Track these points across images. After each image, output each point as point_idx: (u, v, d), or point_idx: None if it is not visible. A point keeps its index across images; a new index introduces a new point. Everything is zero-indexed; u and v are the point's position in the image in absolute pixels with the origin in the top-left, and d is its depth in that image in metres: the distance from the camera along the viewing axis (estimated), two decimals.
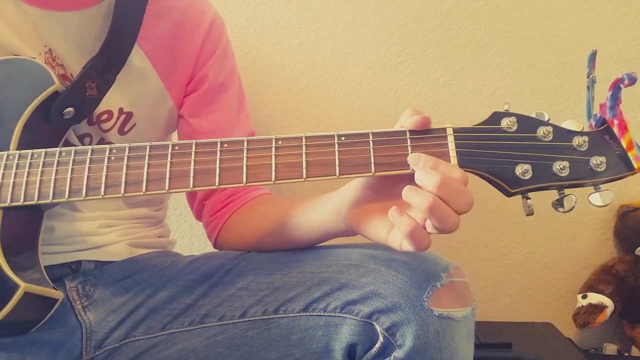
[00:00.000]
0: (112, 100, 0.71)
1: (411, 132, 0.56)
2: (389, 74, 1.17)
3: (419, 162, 0.53)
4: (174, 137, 0.91)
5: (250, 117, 0.87)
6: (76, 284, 0.72)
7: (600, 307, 1.13)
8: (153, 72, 0.75)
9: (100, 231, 0.75)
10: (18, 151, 0.61)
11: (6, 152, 0.61)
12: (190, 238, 1.23)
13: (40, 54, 0.69)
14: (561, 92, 1.18)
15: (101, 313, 0.70)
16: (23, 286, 0.58)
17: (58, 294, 0.63)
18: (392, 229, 0.57)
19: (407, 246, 0.54)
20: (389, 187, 0.58)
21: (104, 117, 0.72)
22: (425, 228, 0.52)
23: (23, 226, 0.63)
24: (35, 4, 0.69)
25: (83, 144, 0.72)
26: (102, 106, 0.71)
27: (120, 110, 0.73)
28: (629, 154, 0.51)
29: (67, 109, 0.66)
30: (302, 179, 0.55)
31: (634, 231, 1.16)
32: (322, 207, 0.65)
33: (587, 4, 1.16)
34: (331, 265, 0.63)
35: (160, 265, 0.74)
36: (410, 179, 0.54)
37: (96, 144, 0.73)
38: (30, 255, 0.63)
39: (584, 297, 1.15)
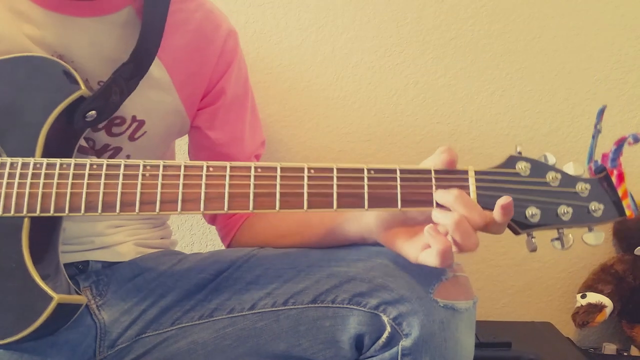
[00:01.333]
0: (126, 107, 0.71)
1: (436, 171, 0.58)
2: (389, 75, 1.17)
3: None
4: (178, 142, 0.92)
5: (261, 123, 0.88)
6: (89, 283, 0.73)
7: (600, 307, 1.14)
8: (170, 84, 0.75)
9: (108, 231, 0.76)
10: (45, 159, 0.60)
11: (33, 160, 0.60)
12: (190, 238, 1.24)
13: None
14: (560, 93, 1.19)
15: (115, 313, 0.71)
16: (57, 298, 0.58)
17: (83, 300, 0.64)
18: (407, 242, 0.59)
19: (432, 261, 0.56)
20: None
21: (117, 121, 0.72)
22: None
23: (47, 232, 0.63)
24: (51, 8, 0.68)
25: (87, 146, 0.73)
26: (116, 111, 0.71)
27: (133, 118, 0.73)
28: (623, 203, 0.58)
29: (90, 112, 0.66)
30: (333, 209, 0.57)
31: (633, 231, 1.17)
32: (346, 222, 0.67)
33: (586, 4, 1.16)
34: (340, 260, 0.65)
35: (168, 264, 0.75)
36: None
37: (99, 149, 0.73)
38: (53, 259, 0.63)
39: (583, 296, 1.16)
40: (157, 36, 0.71)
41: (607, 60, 1.18)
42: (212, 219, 0.85)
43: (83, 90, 0.64)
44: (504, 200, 0.55)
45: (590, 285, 1.18)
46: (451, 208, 0.55)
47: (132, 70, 0.69)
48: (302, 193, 0.57)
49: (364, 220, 0.64)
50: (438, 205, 0.57)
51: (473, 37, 1.17)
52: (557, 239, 0.59)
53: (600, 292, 1.15)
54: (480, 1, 1.16)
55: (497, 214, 0.55)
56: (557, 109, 1.19)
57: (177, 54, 0.75)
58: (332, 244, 0.70)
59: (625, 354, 1.19)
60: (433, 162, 0.59)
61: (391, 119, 1.18)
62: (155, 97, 0.75)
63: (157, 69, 0.73)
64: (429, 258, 0.56)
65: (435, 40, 1.17)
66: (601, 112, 0.59)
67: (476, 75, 1.18)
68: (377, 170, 0.58)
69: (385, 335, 0.61)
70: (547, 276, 1.25)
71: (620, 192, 0.58)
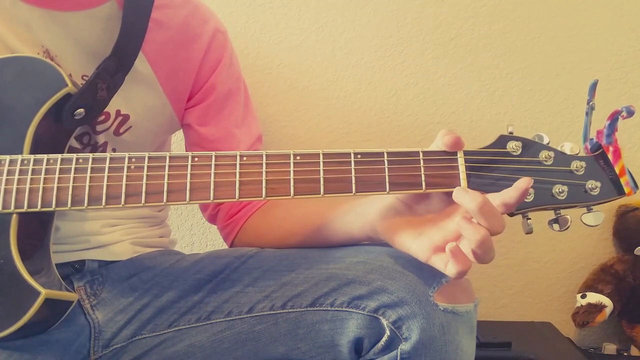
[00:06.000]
0: (111, 103, 0.71)
1: (424, 152, 0.58)
2: (389, 75, 1.18)
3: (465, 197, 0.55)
4: (174, 140, 0.92)
5: (257, 119, 0.88)
6: (84, 283, 0.72)
7: (600, 307, 1.14)
8: (153, 78, 0.75)
9: (104, 230, 0.76)
10: (32, 155, 0.60)
11: (20, 156, 0.61)
12: (190, 238, 1.24)
13: (38, 53, 0.69)
14: (560, 93, 1.19)
15: (109, 312, 0.70)
16: (44, 293, 0.58)
17: (73, 296, 0.63)
18: (416, 240, 0.58)
19: (449, 273, 0.55)
20: (416, 201, 0.61)
21: (101, 118, 0.72)
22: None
23: (36, 228, 0.63)
24: (34, 3, 0.68)
25: (82, 143, 0.73)
26: None
27: (118, 113, 0.73)
28: (621, 180, 0.56)
29: (78, 110, 0.65)
30: (320, 195, 0.56)
31: (633, 231, 1.17)
32: (349, 216, 0.66)
33: (586, 4, 1.16)
34: (339, 262, 0.64)
35: (165, 264, 0.74)
36: (433, 196, 0.59)
37: (93, 144, 0.73)
38: (43, 256, 0.63)
39: (583, 296, 1.16)
40: (141, 30, 0.71)
41: (607, 60, 1.18)
42: (212, 218, 0.85)
43: (69, 87, 0.64)
44: (524, 182, 0.53)
45: (590, 285, 1.18)
46: (472, 215, 0.54)
47: (116, 65, 0.69)
48: (289, 179, 0.57)
49: (368, 217, 0.63)
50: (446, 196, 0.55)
51: (473, 37, 1.17)
52: (554, 220, 0.57)
53: (600, 292, 1.15)
54: (480, 1, 1.16)
55: (515, 195, 0.53)
56: (557, 109, 1.19)
57: (161, 49, 0.75)
58: (338, 243, 0.68)
59: (625, 354, 1.19)
60: (437, 147, 0.58)
61: (391, 119, 1.19)
62: (139, 91, 0.74)
63: (140, 62, 0.73)
64: (446, 269, 0.55)
65: (435, 40, 1.17)
66: (593, 87, 0.57)
67: (476, 75, 1.18)
68: (364, 154, 0.58)
69: (385, 338, 0.59)
70: (547, 276, 1.25)
71: (617, 169, 0.56)
